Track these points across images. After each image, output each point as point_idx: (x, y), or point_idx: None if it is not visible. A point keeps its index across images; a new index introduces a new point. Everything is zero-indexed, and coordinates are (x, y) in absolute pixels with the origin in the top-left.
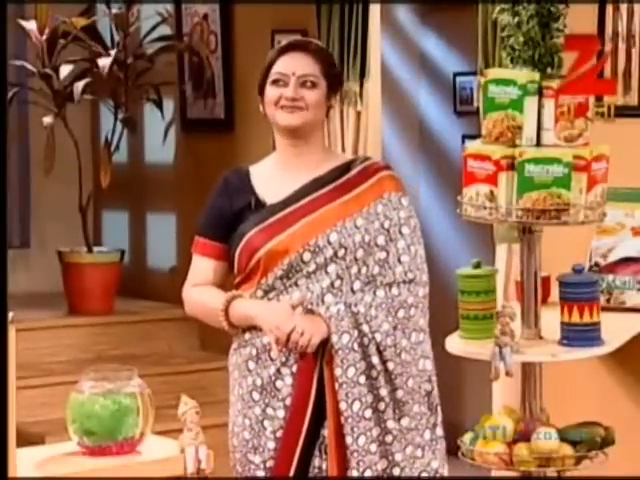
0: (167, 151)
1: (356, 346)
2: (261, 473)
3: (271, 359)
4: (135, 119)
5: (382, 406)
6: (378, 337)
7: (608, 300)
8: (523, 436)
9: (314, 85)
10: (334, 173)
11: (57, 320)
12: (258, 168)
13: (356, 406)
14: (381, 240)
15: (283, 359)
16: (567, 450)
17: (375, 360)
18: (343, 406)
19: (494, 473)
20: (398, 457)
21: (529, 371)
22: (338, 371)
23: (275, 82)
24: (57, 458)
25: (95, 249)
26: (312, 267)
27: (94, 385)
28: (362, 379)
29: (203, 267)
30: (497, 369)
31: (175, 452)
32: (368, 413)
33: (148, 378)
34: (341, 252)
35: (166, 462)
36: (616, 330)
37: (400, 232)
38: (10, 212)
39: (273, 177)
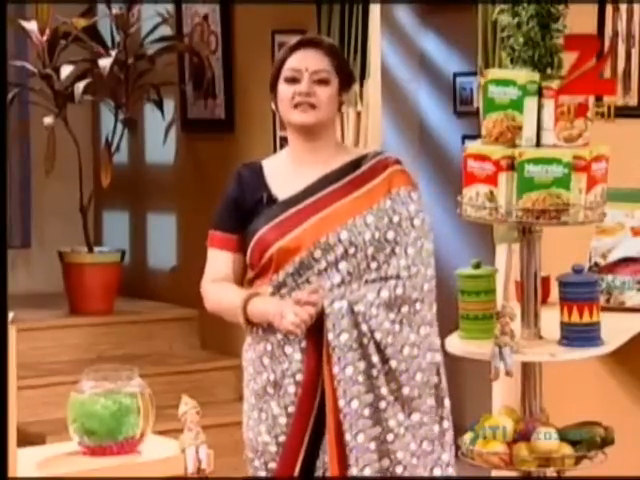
0: (167, 151)
1: (355, 345)
2: (272, 448)
3: (285, 355)
4: (136, 119)
5: (383, 405)
6: (378, 336)
7: (608, 300)
8: (523, 436)
9: (327, 82)
10: (345, 169)
11: (58, 320)
12: (271, 162)
13: (354, 404)
14: (390, 235)
15: (297, 356)
16: (567, 450)
17: (375, 359)
18: (341, 403)
19: (494, 473)
20: (400, 455)
21: (529, 371)
22: (335, 369)
23: (288, 80)
24: (58, 458)
25: (96, 249)
26: (323, 265)
27: (95, 385)
28: (361, 378)
29: (222, 261)
30: (497, 369)
31: (175, 452)
32: (367, 411)
33: (149, 378)
34: (352, 250)
35: (166, 462)
36: (616, 330)
37: (409, 226)
38: (11, 212)
39: (286, 172)
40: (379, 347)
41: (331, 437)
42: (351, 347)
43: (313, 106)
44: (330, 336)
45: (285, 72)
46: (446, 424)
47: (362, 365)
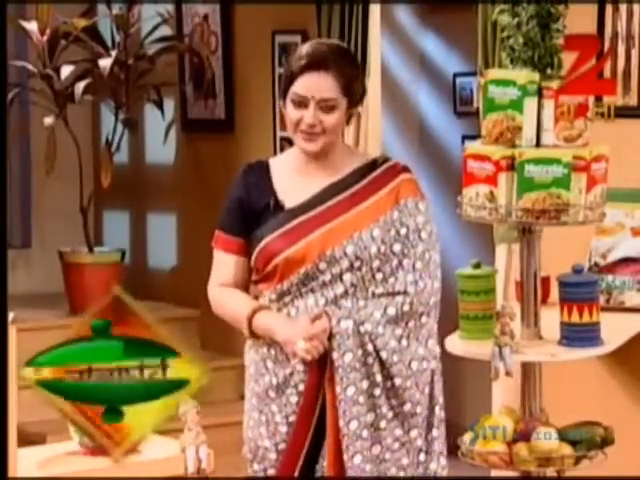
0: (168, 151)
1: (358, 365)
2: (272, 455)
3: (288, 360)
4: (136, 119)
5: (383, 424)
6: (383, 355)
7: (608, 300)
8: (523, 436)
9: (333, 108)
10: (353, 177)
11: (58, 320)
12: (278, 163)
13: (353, 425)
14: (397, 248)
15: (300, 367)
16: (567, 450)
17: (379, 378)
18: (341, 423)
19: (494, 473)
20: (392, 471)
21: (529, 371)
22: (338, 389)
23: (294, 102)
24: (58, 458)
25: (96, 249)
26: (328, 277)
27: None
28: (362, 398)
29: (228, 264)
30: (497, 369)
31: (176, 452)
32: (366, 433)
33: None
34: (357, 263)
35: (167, 462)
36: (615, 330)
37: (417, 238)
38: (11, 212)
39: (293, 177)
40: (384, 366)
41: (330, 455)
42: (354, 367)
43: (317, 134)
44: (334, 355)
45: (292, 94)
46: (435, 432)
47: (365, 384)
